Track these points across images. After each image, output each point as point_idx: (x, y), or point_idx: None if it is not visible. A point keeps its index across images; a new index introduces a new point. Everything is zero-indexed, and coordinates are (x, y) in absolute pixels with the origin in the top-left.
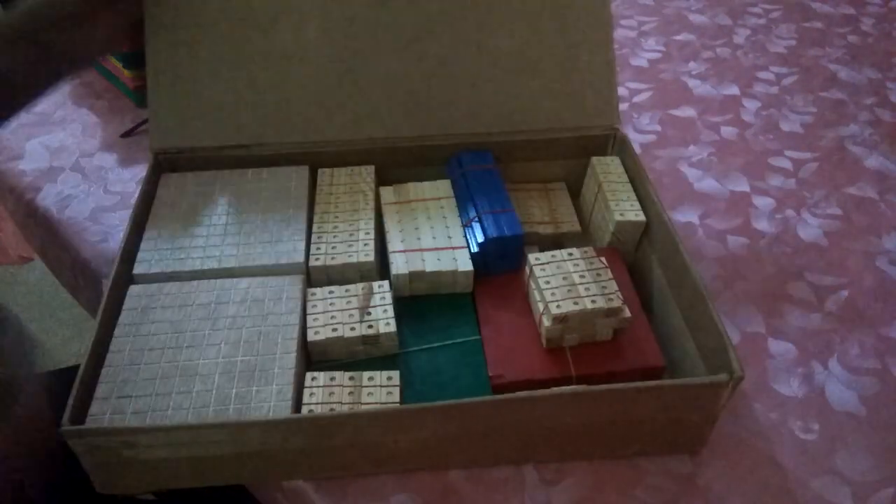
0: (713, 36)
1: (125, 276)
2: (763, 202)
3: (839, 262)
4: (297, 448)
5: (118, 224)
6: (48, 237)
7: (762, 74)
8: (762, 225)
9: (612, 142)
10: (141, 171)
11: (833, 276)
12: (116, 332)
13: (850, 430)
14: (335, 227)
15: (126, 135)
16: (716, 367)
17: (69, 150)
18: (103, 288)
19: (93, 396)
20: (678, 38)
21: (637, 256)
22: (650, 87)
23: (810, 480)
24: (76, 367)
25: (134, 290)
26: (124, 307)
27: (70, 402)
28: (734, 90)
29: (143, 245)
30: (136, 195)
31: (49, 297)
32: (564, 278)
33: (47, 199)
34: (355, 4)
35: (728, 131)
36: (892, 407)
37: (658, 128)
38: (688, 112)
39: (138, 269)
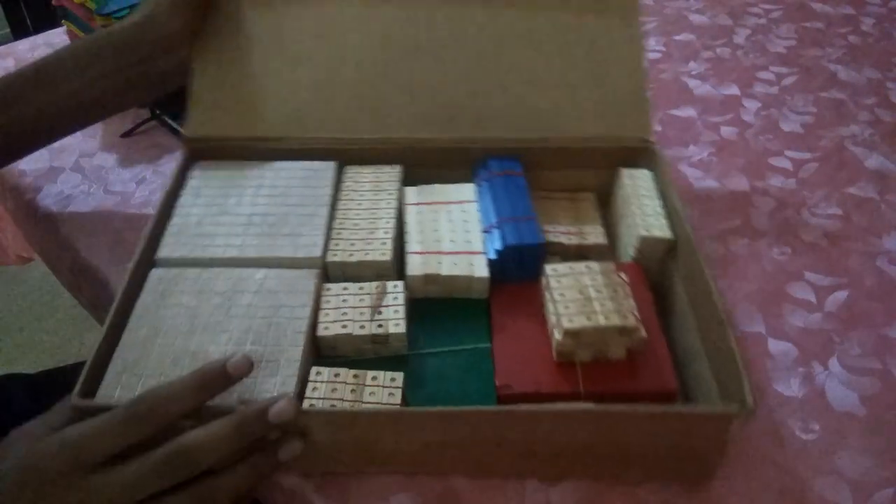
0: (713, 36)
1: (149, 259)
2: (763, 202)
3: (839, 262)
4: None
5: (118, 224)
6: (48, 237)
7: (762, 74)
8: (762, 225)
9: (644, 154)
10: (141, 170)
11: (833, 276)
12: (135, 312)
13: (850, 430)
14: (356, 225)
15: (126, 135)
16: (729, 396)
17: (69, 150)
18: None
19: (105, 373)
20: (678, 38)
21: (662, 274)
22: (650, 87)
23: (810, 480)
24: (76, 367)
25: (156, 273)
26: (145, 289)
27: (82, 376)
28: (734, 90)
29: (168, 229)
30: (170, 181)
31: (49, 297)
32: (580, 292)
33: (47, 199)
34: (398, 13)
35: (728, 131)
36: (892, 407)
37: (658, 128)
38: (688, 112)
39: (161, 252)
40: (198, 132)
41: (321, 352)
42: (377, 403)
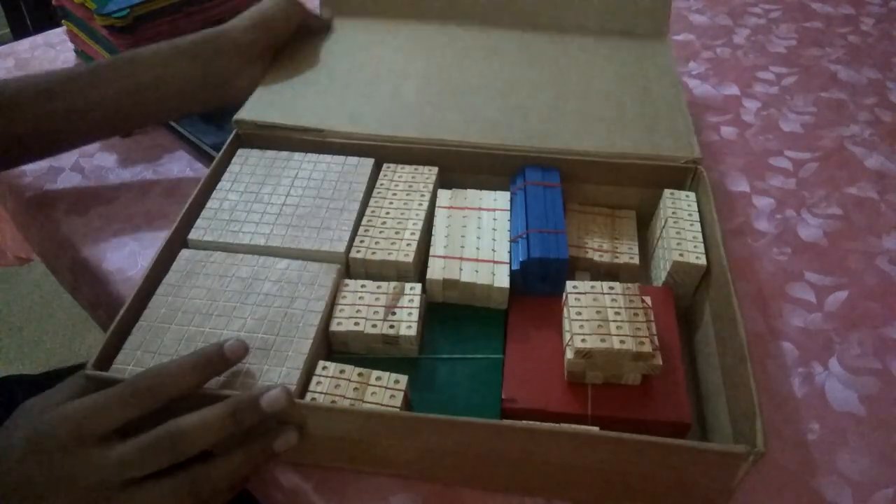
0: (713, 36)
1: (182, 238)
2: (763, 202)
3: (839, 262)
4: None
5: (118, 224)
6: (48, 237)
7: (762, 74)
8: (762, 225)
9: (690, 176)
10: (141, 171)
11: (833, 276)
12: (159, 290)
13: (850, 430)
14: (384, 223)
15: (126, 135)
16: (742, 435)
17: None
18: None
19: (121, 347)
20: (678, 38)
21: (694, 301)
22: None
23: (810, 480)
24: (77, 367)
25: (184, 253)
26: (172, 268)
27: (99, 348)
28: (734, 90)
29: (203, 213)
30: (212, 164)
31: (49, 297)
32: (598, 312)
33: (47, 199)
34: (459, 43)
35: (728, 131)
36: (892, 407)
37: None
38: None
39: (193, 234)
40: (247, 116)
41: (333, 347)
42: (377, 404)
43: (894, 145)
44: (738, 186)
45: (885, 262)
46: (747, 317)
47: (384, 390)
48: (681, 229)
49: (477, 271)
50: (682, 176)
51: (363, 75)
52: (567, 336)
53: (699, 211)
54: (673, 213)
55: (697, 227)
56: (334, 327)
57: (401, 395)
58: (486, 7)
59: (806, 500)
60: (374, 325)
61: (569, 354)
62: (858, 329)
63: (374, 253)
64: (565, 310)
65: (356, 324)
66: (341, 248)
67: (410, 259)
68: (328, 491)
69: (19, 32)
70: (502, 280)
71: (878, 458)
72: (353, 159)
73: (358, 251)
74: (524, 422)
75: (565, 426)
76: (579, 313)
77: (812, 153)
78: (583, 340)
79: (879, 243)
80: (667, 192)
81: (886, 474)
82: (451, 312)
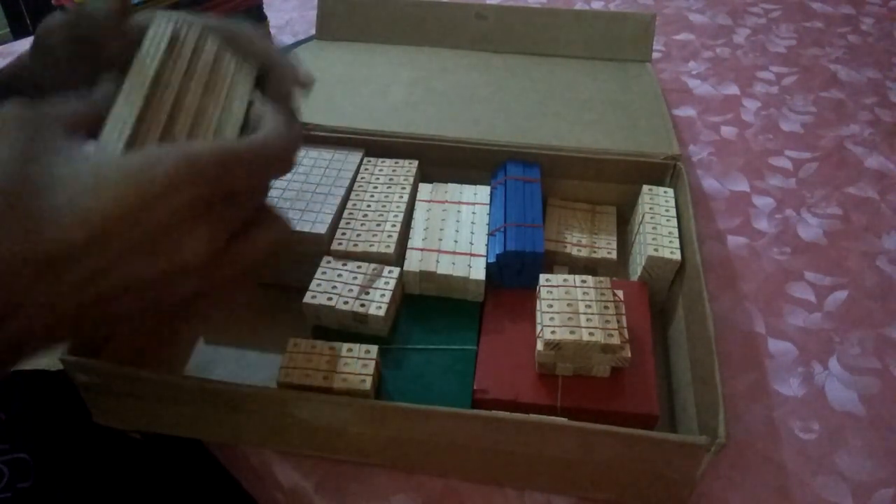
0: (713, 36)
1: None
2: (763, 202)
3: (839, 262)
4: (261, 417)
5: None
6: None
7: (762, 74)
8: (762, 225)
9: (669, 172)
10: None
11: (833, 276)
12: None
13: (850, 430)
14: (365, 216)
15: None
16: (707, 426)
17: None
18: None
19: None
20: (678, 38)
21: (669, 296)
22: None
23: (810, 480)
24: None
25: None
26: None
27: None
28: (734, 90)
29: None
30: None
31: None
32: (569, 305)
33: None
34: (454, 54)
35: (728, 131)
36: (892, 407)
37: None
38: (688, 112)
39: None
40: None
41: (307, 320)
42: (351, 374)
43: (894, 145)
44: (738, 186)
45: (885, 262)
46: (747, 316)
47: (356, 360)
48: (657, 224)
49: (454, 264)
50: (661, 172)
51: (352, 80)
52: (539, 328)
53: (676, 207)
54: (650, 208)
55: (674, 222)
56: (308, 299)
57: (372, 364)
58: (477, 35)
59: (806, 500)
60: (346, 303)
61: (539, 346)
62: (858, 329)
63: (356, 245)
64: (538, 302)
65: (329, 299)
66: (322, 229)
67: (391, 250)
68: (328, 490)
69: (19, 32)
70: (478, 273)
71: (878, 457)
72: (342, 150)
73: (340, 243)
74: (489, 411)
75: (531, 416)
76: (550, 306)
77: (812, 153)
78: (552, 332)
79: (879, 243)
80: (645, 187)
81: (886, 474)
82: (428, 304)
